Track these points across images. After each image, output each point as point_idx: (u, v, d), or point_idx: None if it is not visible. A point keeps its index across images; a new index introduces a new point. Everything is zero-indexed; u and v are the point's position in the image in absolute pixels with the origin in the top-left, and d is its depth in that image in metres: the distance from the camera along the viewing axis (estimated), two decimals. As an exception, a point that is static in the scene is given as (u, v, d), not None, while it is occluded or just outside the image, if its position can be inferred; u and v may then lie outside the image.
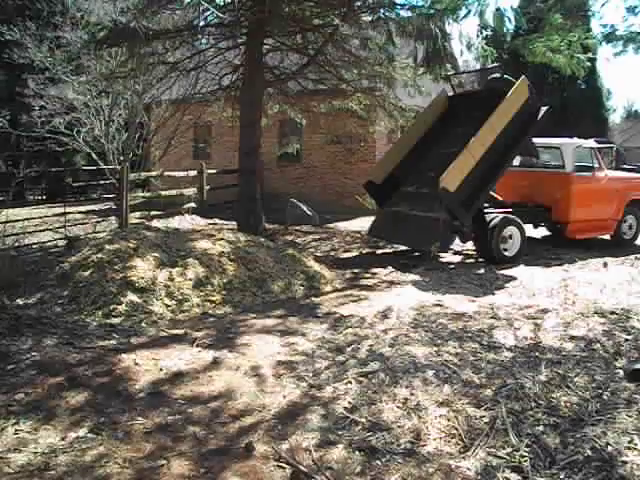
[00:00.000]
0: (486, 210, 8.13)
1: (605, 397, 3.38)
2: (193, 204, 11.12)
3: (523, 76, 8.14)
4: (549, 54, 7.32)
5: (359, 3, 8.91)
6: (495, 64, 9.68)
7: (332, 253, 8.87)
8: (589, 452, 2.77)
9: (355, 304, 5.70)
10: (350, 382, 3.64)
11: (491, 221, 7.86)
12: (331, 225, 11.62)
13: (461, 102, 9.12)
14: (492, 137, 7.60)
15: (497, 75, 8.99)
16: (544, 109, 8.16)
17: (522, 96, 7.93)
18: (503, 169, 7.92)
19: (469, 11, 7.02)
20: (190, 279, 5.65)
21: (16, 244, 7.50)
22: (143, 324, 4.94)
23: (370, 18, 9.14)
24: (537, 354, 4.12)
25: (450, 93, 9.58)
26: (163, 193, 10.84)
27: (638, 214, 9.45)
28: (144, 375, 3.77)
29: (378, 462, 2.75)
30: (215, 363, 4.00)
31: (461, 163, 7.36)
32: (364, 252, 8.91)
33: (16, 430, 3.01)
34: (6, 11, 16.42)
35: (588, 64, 7.71)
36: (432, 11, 7.98)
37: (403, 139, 9.48)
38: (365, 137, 12.36)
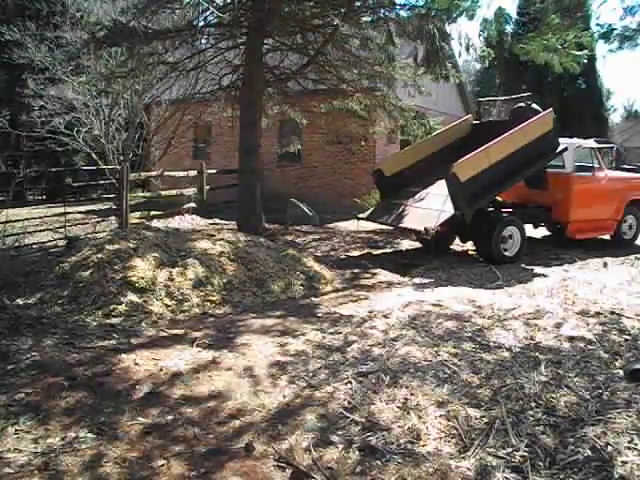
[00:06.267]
0: (486, 210, 8.14)
1: (605, 397, 3.37)
2: (193, 204, 11.11)
3: (551, 108, 8.46)
4: (542, 53, 7.37)
5: (359, 3, 8.91)
6: (525, 93, 10.01)
7: (332, 253, 8.88)
8: (589, 452, 2.77)
9: (355, 304, 5.70)
10: (349, 382, 3.64)
11: (491, 221, 7.87)
12: (331, 225, 11.62)
13: (484, 129, 9.25)
14: (510, 149, 7.83)
15: (524, 104, 9.25)
16: (562, 147, 8.39)
17: (546, 126, 8.26)
18: (510, 183, 8.11)
19: (461, 12, 7.05)
20: (190, 279, 5.65)
21: (16, 244, 7.49)
22: (143, 324, 4.94)
23: (370, 18, 9.15)
24: (537, 354, 4.11)
25: (476, 121, 10.00)
26: (163, 193, 10.83)
27: (638, 214, 9.45)
28: (144, 375, 3.77)
29: (377, 462, 2.75)
30: (215, 363, 4.00)
31: (476, 160, 7.55)
32: (364, 252, 8.92)
33: (16, 430, 3.01)
34: (6, 11, 16.43)
35: (585, 61, 7.77)
36: (431, 11, 7.99)
37: (419, 145, 9.72)
38: (365, 137, 12.36)
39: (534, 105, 9.01)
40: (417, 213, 8.04)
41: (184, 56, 9.52)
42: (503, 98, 10.79)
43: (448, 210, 7.51)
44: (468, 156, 7.53)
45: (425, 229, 7.39)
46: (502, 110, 9.86)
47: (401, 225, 8.28)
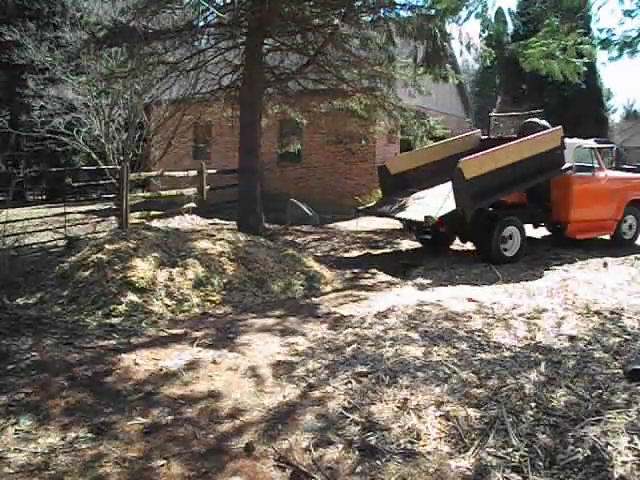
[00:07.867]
0: (486, 210, 8.14)
1: (605, 397, 3.37)
2: (193, 204, 11.11)
3: (560, 126, 8.54)
4: (543, 60, 7.41)
5: (359, 3, 8.93)
6: (537, 110, 10.10)
7: (332, 253, 8.88)
8: (589, 452, 2.76)
9: (355, 304, 5.70)
10: (349, 382, 3.63)
11: (491, 221, 7.88)
12: (331, 225, 11.63)
13: (492, 144, 9.26)
14: (517, 157, 7.91)
15: (534, 120, 9.36)
16: (567, 165, 8.45)
17: (554, 142, 8.36)
18: (513, 189, 8.18)
19: (470, 12, 7.03)
20: (190, 279, 5.65)
21: (16, 244, 7.49)
22: (143, 324, 4.94)
23: (370, 18, 9.15)
24: (537, 354, 4.11)
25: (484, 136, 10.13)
26: (163, 193, 10.83)
27: (638, 214, 9.45)
28: (144, 375, 3.77)
29: (377, 462, 2.75)
30: (215, 363, 4.00)
31: (482, 160, 7.64)
32: (364, 252, 8.92)
33: (16, 430, 3.01)
34: (6, 11, 16.43)
35: (585, 69, 7.79)
36: (432, 11, 7.99)
37: (426, 150, 9.78)
38: (365, 137, 12.37)
39: (543, 122, 9.15)
40: (418, 207, 8.12)
41: (184, 56, 9.53)
42: (514, 114, 10.94)
43: (449, 205, 7.54)
44: (475, 155, 7.70)
45: (425, 218, 7.41)
46: (511, 126, 10.02)
47: (401, 216, 8.31)
